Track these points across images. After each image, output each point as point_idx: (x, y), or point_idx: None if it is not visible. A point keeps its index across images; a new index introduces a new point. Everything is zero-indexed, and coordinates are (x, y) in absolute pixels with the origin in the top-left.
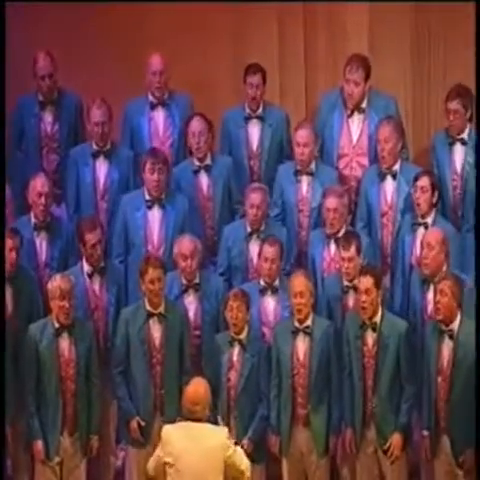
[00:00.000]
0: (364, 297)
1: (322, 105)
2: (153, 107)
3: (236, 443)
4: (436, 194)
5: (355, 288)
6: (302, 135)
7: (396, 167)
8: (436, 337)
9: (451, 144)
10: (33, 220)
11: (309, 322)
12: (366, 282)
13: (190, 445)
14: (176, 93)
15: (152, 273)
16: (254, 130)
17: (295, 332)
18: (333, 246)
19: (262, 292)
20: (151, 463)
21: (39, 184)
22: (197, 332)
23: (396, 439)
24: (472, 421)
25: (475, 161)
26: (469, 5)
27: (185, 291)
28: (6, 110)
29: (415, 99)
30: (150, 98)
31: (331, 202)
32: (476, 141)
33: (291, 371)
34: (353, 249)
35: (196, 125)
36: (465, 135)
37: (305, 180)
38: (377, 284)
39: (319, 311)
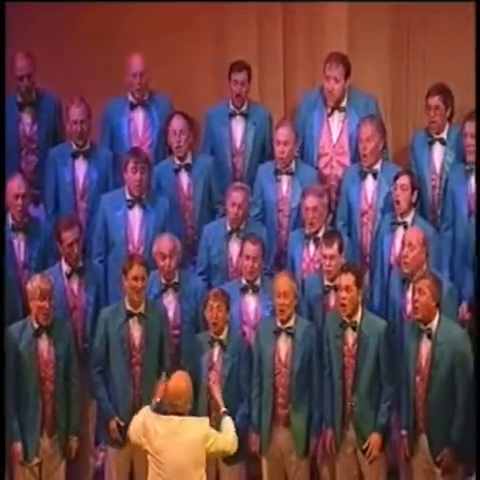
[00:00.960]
0: (344, 294)
1: (302, 104)
2: (133, 107)
3: (225, 412)
4: (416, 193)
5: (336, 287)
6: (282, 133)
7: (377, 166)
8: (415, 336)
9: (430, 144)
10: (10, 221)
11: (291, 323)
12: (347, 279)
13: (172, 439)
14: (156, 94)
15: (137, 270)
16: (238, 127)
17: (277, 332)
18: (312, 246)
19: (243, 291)
20: (132, 430)
21: (15, 185)
22: (176, 332)
23: (374, 439)
24: (472, 422)
25: (475, 159)
26: (446, 5)
27: (164, 291)
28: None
29: (394, 99)
30: (130, 98)
31: (311, 201)
32: (476, 140)
33: (272, 371)
34: (335, 247)
35: (177, 123)
36: (444, 135)
37: (285, 180)
38: (358, 282)
39: (300, 311)
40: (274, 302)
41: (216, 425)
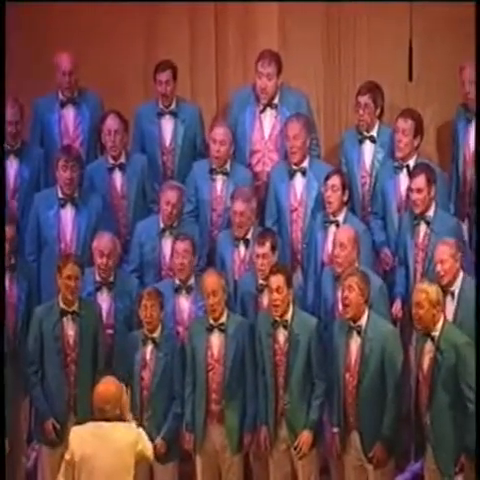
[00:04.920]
0: (275, 295)
1: (234, 102)
2: (63, 105)
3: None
4: (346, 193)
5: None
6: (219, 132)
7: (305, 164)
8: (344, 333)
9: (361, 142)
10: None
11: (224, 319)
12: (277, 280)
13: (100, 446)
14: (86, 91)
15: (71, 269)
16: (167, 126)
17: (210, 329)
18: (243, 248)
19: (177, 291)
20: (61, 472)
21: None
22: (110, 331)
23: (305, 436)
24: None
25: (475, 156)
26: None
27: (98, 289)
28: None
29: (326, 97)
30: (60, 96)
31: (239, 206)
32: (476, 139)
33: (205, 367)
34: (268, 245)
35: (111, 123)
36: (374, 133)
37: (220, 179)
38: (288, 283)
39: (234, 310)
40: (204, 302)
41: None
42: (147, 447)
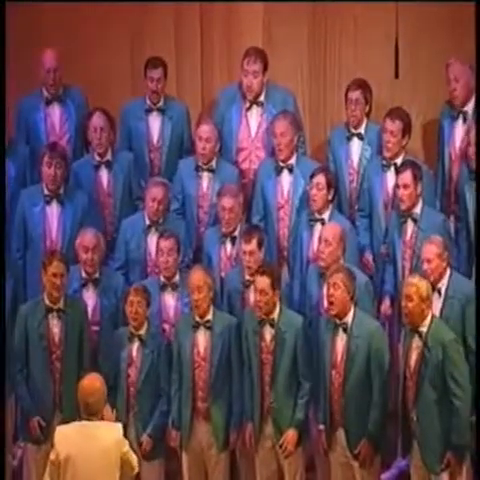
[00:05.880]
0: (259, 297)
1: (220, 99)
2: (48, 103)
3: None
4: (332, 191)
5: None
6: (205, 130)
7: (292, 161)
8: (330, 330)
9: (348, 139)
10: None
11: (209, 316)
12: (262, 282)
13: (85, 445)
14: (71, 88)
15: (56, 266)
16: (155, 123)
17: (196, 326)
18: (229, 245)
19: (162, 288)
20: (47, 473)
21: None
22: (96, 328)
23: (290, 434)
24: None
25: (475, 154)
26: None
27: (84, 285)
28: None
29: (311, 94)
30: (45, 94)
31: (227, 202)
32: (476, 141)
33: (192, 365)
34: (254, 242)
35: (98, 121)
36: (362, 130)
37: (206, 177)
38: (273, 285)
39: (220, 306)
40: (190, 298)
41: None
42: (133, 456)
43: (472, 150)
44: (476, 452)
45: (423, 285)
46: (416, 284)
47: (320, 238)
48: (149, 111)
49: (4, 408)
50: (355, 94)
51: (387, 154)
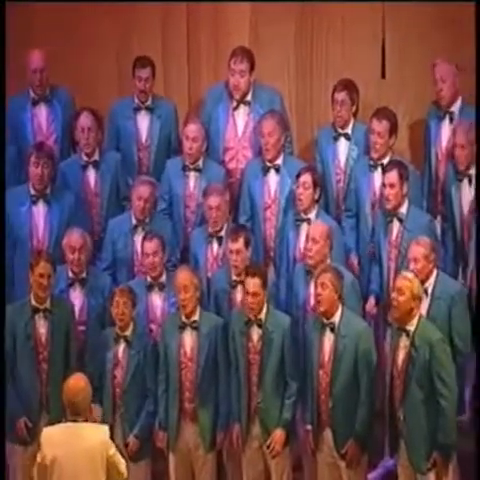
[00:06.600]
0: (251, 299)
1: (207, 99)
2: (35, 103)
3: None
4: (318, 190)
5: (243, 283)
6: (192, 129)
7: (279, 161)
8: (318, 330)
9: (335, 139)
10: None
11: (196, 317)
12: (253, 284)
13: (70, 445)
14: (57, 88)
15: (43, 267)
16: (143, 122)
17: (182, 327)
18: (216, 244)
19: (149, 288)
20: (34, 476)
21: None
22: (82, 328)
23: (278, 435)
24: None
25: (475, 153)
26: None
27: (71, 285)
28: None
29: (298, 94)
30: (32, 94)
31: (214, 201)
32: (476, 141)
33: (178, 365)
34: (241, 241)
35: (85, 121)
36: (349, 130)
37: (193, 176)
38: (264, 284)
39: (207, 306)
40: (176, 298)
41: None
42: (121, 461)
43: (459, 151)
44: (476, 451)
45: (416, 282)
46: (410, 279)
47: (307, 236)
48: (137, 110)
49: (4, 408)
50: (341, 95)
51: (374, 155)
